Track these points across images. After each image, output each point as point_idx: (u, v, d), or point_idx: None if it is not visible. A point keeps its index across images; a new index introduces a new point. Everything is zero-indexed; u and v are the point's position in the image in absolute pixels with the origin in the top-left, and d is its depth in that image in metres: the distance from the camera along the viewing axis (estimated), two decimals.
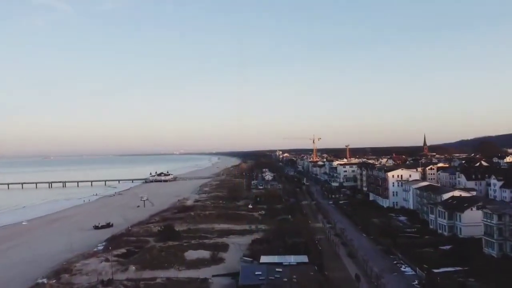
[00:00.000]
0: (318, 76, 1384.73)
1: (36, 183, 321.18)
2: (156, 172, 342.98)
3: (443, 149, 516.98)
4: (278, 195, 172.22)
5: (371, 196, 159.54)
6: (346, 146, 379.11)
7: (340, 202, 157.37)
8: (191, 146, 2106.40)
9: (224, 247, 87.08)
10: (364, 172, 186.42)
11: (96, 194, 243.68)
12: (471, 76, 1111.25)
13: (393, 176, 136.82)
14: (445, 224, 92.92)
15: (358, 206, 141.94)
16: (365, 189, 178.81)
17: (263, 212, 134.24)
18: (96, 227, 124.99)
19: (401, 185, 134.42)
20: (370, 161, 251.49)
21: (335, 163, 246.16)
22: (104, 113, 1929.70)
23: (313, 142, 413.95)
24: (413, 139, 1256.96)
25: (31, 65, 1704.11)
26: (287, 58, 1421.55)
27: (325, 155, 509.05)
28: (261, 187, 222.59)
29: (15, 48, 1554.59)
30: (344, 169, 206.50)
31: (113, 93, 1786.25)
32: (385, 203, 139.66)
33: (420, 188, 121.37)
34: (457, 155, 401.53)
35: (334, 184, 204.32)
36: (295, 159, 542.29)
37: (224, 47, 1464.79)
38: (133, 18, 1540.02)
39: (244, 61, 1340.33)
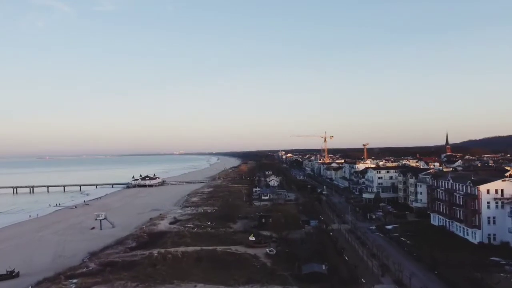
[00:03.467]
0: (318, 76, 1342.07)
1: None
2: (140, 176, 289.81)
3: (464, 149, 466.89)
4: (292, 213, 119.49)
5: (436, 219, 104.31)
6: (363, 145, 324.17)
7: (387, 227, 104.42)
8: (191, 146, 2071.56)
9: None
10: (411, 180, 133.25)
11: (57, 205, 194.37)
12: (476, 76, 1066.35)
13: (488, 191, 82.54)
14: None
15: (423, 238, 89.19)
16: (416, 205, 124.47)
17: (273, 250, 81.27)
18: None
19: (504, 207, 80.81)
20: (413, 164, 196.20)
21: (360, 165, 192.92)
22: (104, 113, 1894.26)
23: (325, 140, 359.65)
24: (417, 140, 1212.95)
25: (31, 65, 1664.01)
26: (287, 58, 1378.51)
27: (331, 155, 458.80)
28: (265, 198, 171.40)
29: (15, 48, 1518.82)
30: (379, 174, 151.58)
31: (114, 93, 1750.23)
32: (472, 235, 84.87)
33: None
34: (487, 156, 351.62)
35: (367, 195, 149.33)
36: (300, 160, 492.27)
37: (224, 47, 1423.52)
38: (133, 18, 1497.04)
39: (244, 61, 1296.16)
